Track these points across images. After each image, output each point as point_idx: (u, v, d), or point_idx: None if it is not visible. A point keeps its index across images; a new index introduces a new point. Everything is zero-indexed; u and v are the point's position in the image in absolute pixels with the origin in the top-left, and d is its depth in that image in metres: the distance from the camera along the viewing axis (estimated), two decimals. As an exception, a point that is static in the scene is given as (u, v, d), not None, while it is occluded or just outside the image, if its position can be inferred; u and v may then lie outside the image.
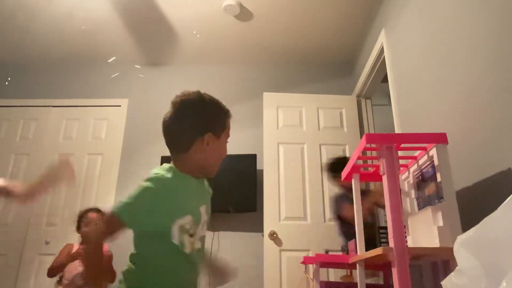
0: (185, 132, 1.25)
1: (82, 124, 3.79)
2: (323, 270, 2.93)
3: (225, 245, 3.31)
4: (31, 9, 3.20)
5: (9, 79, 3.37)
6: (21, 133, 3.77)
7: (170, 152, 1.30)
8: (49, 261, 3.29)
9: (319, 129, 3.45)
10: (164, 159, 3.44)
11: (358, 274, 1.65)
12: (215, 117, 1.29)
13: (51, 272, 2.47)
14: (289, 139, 3.39)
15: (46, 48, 3.74)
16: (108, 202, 3.43)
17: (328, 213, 3.15)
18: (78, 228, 2.62)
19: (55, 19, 3.32)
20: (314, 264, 2.32)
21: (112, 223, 1.13)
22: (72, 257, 2.43)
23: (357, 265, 1.64)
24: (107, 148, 3.69)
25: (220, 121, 1.29)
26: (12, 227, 3.44)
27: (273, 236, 3.06)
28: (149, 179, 1.17)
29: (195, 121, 1.26)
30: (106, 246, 2.44)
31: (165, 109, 1.38)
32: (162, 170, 1.21)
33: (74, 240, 2.69)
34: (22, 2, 3.12)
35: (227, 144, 1.33)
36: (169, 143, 1.29)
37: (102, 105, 3.85)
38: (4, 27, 3.43)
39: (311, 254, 2.97)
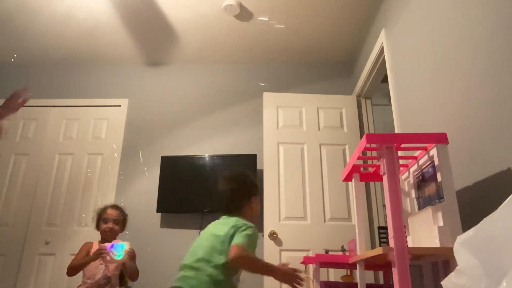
0: (241, 199, 1.87)
1: (82, 124, 3.80)
2: (323, 270, 2.93)
3: (225, 245, 3.31)
4: (31, 9, 3.20)
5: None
6: (21, 133, 3.77)
7: (226, 213, 1.86)
8: (49, 261, 3.31)
9: (319, 129, 3.44)
10: (164, 159, 3.46)
11: (358, 274, 1.65)
12: (255, 185, 1.93)
13: (71, 271, 2.38)
14: (289, 139, 3.38)
15: (46, 48, 3.74)
16: (108, 202, 3.44)
17: (328, 213, 3.16)
18: (97, 226, 2.56)
19: (55, 19, 3.32)
20: (314, 264, 2.32)
21: (244, 252, 1.66)
22: (94, 256, 2.33)
23: (357, 265, 1.64)
24: (107, 148, 3.69)
25: (257, 187, 1.93)
26: (12, 227, 3.44)
27: (273, 236, 3.06)
28: (249, 226, 1.73)
29: (247, 190, 1.89)
30: (128, 244, 2.37)
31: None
32: (243, 220, 1.77)
33: (78, 240, 2.64)
34: (22, 2, 3.12)
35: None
36: (227, 208, 1.86)
37: (102, 105, 3.85)
38: (4, 27, 3.43)
39: (311, 254, 2.97)
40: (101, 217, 2.55)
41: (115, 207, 2.63)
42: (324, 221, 3.13)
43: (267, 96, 3.52)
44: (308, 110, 3.49)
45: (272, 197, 3.18)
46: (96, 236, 2.62)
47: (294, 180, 3.24)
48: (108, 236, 2.50)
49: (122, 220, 2.59)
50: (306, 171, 3.28)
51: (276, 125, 3.42)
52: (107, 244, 2.32)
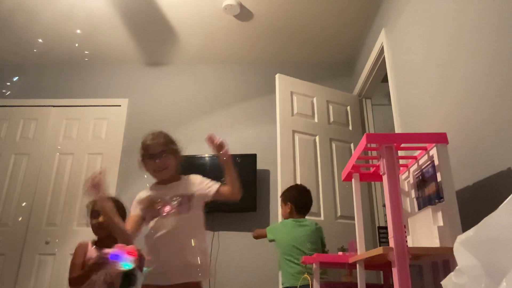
0: None
1: (82, 124, 3.79)
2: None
3: (225, 245, 3.31)
4: (31, 9, 3.20)
5: None
6: (21, 133, 3.77)
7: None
8: (49, 261, 3.31)
9: (329, 123, 3.37)
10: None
11: (358, 274, 1.65)
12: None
13: (76, 285, 1.97)
14: (303, 129, 3.21)
15: (46, 48, 3.73)
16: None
17: (339, 211, 3.10)
18: (94, 218, 2.14)
19: (55, 19, 3.32)
20: (314, 264, 2.32)
21: None
22: (95, 267, 1.91)
23: (357, 265, 1.64)
24: (107, 148, 3.69)
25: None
26: (12, 227, 3.44)
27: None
28: None
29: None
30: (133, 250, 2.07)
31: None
32: None
33: (78, 239, 2.24)
34: (22, 2, 3.12)
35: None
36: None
37: (102, 105, 3.85)
38: (5, 27, 3.43)
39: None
40: (91, 212, 2.15)
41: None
42: (336, 218, 3.07)
43: (281, 79, 3.28)
44: (319, 101, 3.39)
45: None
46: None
47: (308, 173, 3.08)
48: (100, 233, 2.10)
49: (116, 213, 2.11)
50: (319, 165, 3.16)
51: (291, 112, 3.21)
52: (106, 251, 1.87)
